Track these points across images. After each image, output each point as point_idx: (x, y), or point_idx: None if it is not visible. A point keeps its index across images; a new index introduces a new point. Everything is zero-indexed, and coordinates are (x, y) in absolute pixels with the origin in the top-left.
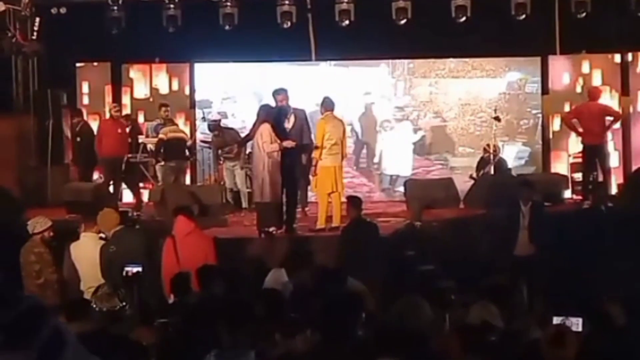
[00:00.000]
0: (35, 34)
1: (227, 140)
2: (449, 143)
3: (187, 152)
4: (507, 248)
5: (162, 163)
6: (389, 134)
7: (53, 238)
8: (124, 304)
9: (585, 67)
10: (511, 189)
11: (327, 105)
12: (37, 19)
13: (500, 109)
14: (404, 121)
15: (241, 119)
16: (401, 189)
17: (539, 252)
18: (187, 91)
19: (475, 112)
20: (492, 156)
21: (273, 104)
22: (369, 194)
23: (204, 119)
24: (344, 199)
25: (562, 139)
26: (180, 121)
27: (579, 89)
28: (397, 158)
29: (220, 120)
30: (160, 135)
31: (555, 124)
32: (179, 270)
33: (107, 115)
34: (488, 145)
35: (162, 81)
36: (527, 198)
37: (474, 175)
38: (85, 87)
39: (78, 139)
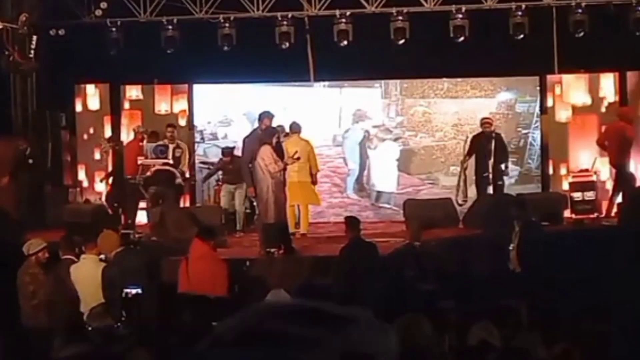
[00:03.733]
0: (32, 52)
1: (236, 169)
2: (441, 162)
3: (176, 181)
4: (503, 267)
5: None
6: (382, 153)
7: (48, 259)
8: (118, 323)
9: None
10: (507, 208)
11: (294, 128)
12: (35, 37)
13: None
14: (397, 141)
15: (233, 140)
16: (386, 205)
17: (528, 271)
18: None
19: (470, 132)
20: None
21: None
22: (360, 213)
23: (202, 139)
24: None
25: (561, 158)
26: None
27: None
28: (389, 177)
29: (234, 148)
30: (147, 174)
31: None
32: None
33: (131, 136)
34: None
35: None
36: (518, 217)
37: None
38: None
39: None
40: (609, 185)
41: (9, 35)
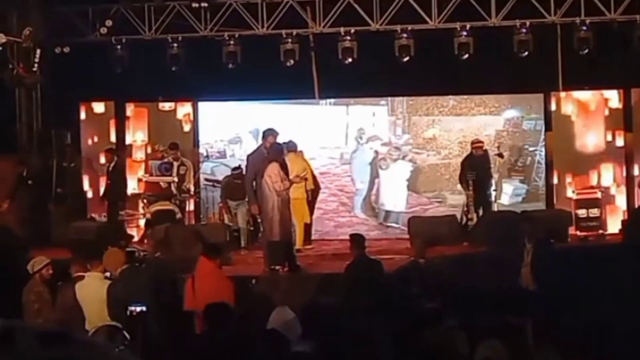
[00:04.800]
0: (36, 65)
1: (242, 188)
2: (446, 180)
3: (177, 217)
4: (510, 285)
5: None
6: (393, 173)
7: (53, 276)
8: (122, 347)
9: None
10: (515, 225)
11: (290, 146)
12: (38, 51)
13: (501, 146)
14: (403, 159)
15: (240, 158)
16: (394, 224)
17: (541, 289)
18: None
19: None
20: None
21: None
22: (368, 232)
23: (207, 157)
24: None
25: (566, 175)
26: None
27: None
28: (399, 197)
29: (241, 169)
30: (147, 216)
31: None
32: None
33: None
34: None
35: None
36: (531, 235)
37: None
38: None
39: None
40: (613, 190)
41: (14, 50)
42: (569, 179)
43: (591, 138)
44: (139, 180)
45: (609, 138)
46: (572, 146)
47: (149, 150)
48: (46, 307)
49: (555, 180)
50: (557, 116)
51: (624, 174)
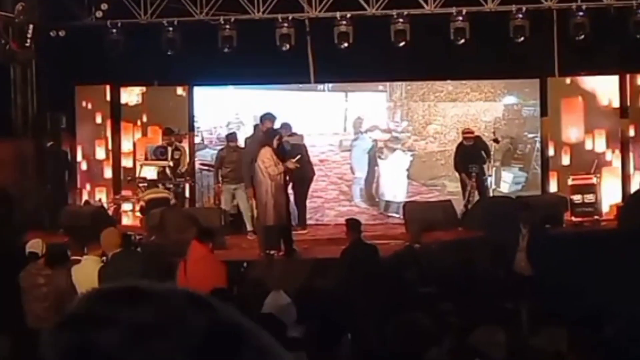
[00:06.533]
0: (29, 41)
1: (235, 160)
2: (446, 168)
3: (170, 203)
4: (506, 269)
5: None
6: (392, 163)
7: (49, 260)
8: None
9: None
10: (510, 210)
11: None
12: (31, 27)
13: (498, 133)
14: (402, 147)
15: (239, 145)
16: (395, 214)
17: (536, 274)
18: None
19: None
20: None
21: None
22: (368, 222)
23: (202, 141)
24: None
25: (561, 160)
26: None
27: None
28: (399, 187)
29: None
30: (141, 203)
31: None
32: None
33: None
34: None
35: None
36: (526, 220)
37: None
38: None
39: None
40: (609, 156)
41: (7, 26)
42: (565, 152)
43: (588, 117)
44: (134, 144)
45: (605, 102)
46: (568, 125)
47: (145, 119)
48: (54, 290)
49: (551, 153)
50: (553, 100)
51: (619, 135)
